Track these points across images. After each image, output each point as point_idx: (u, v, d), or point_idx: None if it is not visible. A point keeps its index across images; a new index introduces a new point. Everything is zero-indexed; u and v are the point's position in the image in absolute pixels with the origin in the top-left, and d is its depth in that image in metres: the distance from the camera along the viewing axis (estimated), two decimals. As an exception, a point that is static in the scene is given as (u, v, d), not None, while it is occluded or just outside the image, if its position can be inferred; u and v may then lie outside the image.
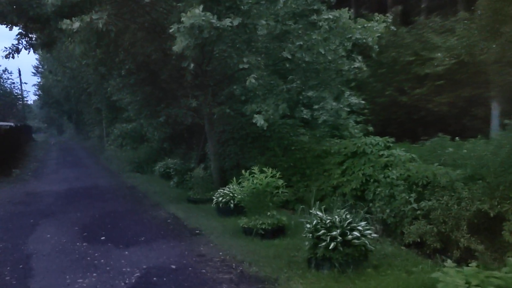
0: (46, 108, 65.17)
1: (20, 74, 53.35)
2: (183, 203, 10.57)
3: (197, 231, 7.84)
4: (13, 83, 56.94)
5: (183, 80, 12.33)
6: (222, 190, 9.16)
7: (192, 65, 8.57)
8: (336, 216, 5.71)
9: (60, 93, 38.41)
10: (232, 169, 12.89)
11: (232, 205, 8.73)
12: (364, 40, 9.31)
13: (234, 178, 8.71)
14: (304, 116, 12.84)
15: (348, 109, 13.17)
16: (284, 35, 9.89)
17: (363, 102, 12.03)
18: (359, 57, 11.51)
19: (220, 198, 8.92)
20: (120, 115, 25.15)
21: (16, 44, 10.89)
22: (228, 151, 13.22)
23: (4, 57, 10.80)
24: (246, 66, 8.76)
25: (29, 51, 10.89)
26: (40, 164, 21.92)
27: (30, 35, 10.89)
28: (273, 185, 7.11)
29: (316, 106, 13.27)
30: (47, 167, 20.70)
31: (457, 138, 9.63)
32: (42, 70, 53.27)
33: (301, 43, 9.34)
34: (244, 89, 13.14)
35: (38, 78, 55.47)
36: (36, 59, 61.65)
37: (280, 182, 7.19)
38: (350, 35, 9.00)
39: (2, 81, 53.75)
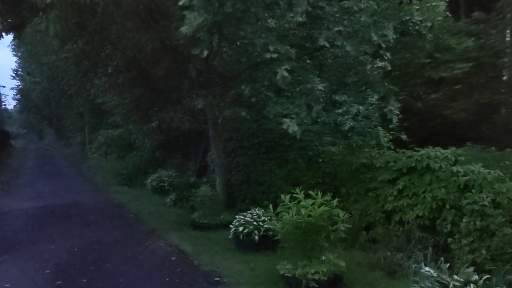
0: (25, 113, 62.29)
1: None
2: (187, 230, 8.42)
3: (216, 278, 5.71)
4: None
5: (184, 77, 10.22)
6: (242, 217, 7.05)
7: (205, 52, 6.49)
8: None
9: (39, 97, 35.83)
10: (240, 184, 10.81)
11: (257, 238, 6.64)
12: (420, 25, 7.35)
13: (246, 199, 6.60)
14: (326, 122, 10.89)
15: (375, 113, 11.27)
16: (315, 20, 7.91)
17: (399, 105, 10.09)
18: (388, 54, 9.61)
19: (241, 228, 6.80)
20: (105, 120, 22.83)
21: (-22, 29, 8.69)
22: (235, 162, 11.14)
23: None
24: (274, 55, 6.73)
25: (-5, 37, 8.67)
26: (13, 175, 19.45)
27: (-5, 18, 8.68)
28: (328, 216, 5.04)
29: (339, 110, 11.32)
30: (21, 178, 18.27)
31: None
32: (22, 73, 50.44)
33: (341, 28, 7.36)
34: (254, 90, 11.15)
35: (17, 82, 52.41)
36: (15, 61, 58.72)
37: (339, 212, 5.12)
38: (408, 17, 7.06)
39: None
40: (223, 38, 7.98)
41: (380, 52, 9.11)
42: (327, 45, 7.21)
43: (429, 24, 7.30)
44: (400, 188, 6.91)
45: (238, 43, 8.24)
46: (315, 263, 4.93)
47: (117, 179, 15.52)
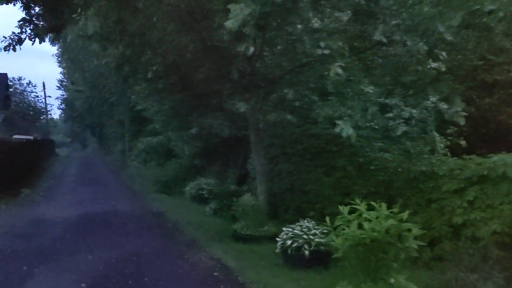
0: (69, 122, 64.23)
1: (44, 88, 52.07)
2: (229, 242, 7.89)
3: (265, 298, 5.13)
4: (37, 96, 55.53)
5: (226, 80, 9.77)
6: (290, 229, 6.43)
7: (251, 49, 5.96)
8: None
9: (83, 106, 36.66)
10: (283, 193, 10.20)
11: (307, 253, 6.00)
12: (488, 17, 6.55)
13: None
14: (376, 127, 10.13)
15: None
16: (368, 15, 7.25)
17: (460, 110, 9.20)
18: (444, 53, 8.78)
19: (289, 242, 6.19)
20: (144, 127, 22.89)
21: (18, 33, 8.56)
22: (277, 170, 10.55)
23: (3, 49, 8.46)
24: (326, 51, 6.12)
25: (33, 41, 8.51)
26: (56, 182, 19.66)
27: (35, 21, 8.53)
28: (396, 231, 4.34)
29: (390, 114, 10.54)
30: (63, 185, 18.39)
31: None
32: (66, 83, 52.05)
33: (399, 21, 6.67)
34: (298, 93, 10.55)
35: (62, 92, 54.11)
36: (60, 73, 60.79)
37: (411, 226, 4.40)
38: (477, 7, 6.28)
39: (25, 94, 52.83)
40: (269, 36, 7.43)
41: (435, 51, 8.37)
42: (384, 40, 6.52)
43: (500, 14, 6.48)
44: (471, 199, 6.09)
45: (284, 41, 7.66)
46: (382, 286, 4.24)
47: (156, 187, 15.27)
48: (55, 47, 32.99)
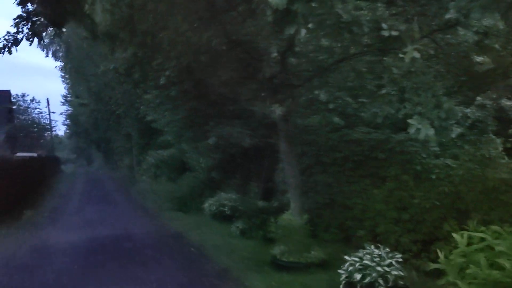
0: (74, 138, 63.31)
1: (48, 103, 51.28)
2: (269, 271, 6.57)
3: None
4: (41, 113, 54.74)
5: (252, 81, 8.55)
6: (357, 259, 5.12)
7: (302, 31, 4.71)
8: None
9: (87, 121, 35.58)
10: (320, 208, 8.90)
11: (383, 289, 4.68)
12: None
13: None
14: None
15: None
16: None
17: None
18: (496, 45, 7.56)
19: (358, 276, 4.86)
20: (154, 140, 21.69)
21: (14, 33, 7.39)
22: (311, 182, 9.27)
23: (-2, 52, 7.29)
24: (395, 33, 4.88)
25: (31, 41, 7.34)
26: (61, 201, 18.41)
27: (32, 19, 7.36)
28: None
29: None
30: (69, 204, 17.13)
31: None
32: (71, 98, 51.24)
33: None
34: (330, 94, 9.30)
35: (67, 108, 53.26)
36: (64, 87, 60.03)
37: None
38: None
39: (29, 111, 52.05)
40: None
41: (485, 42, 7.21)
42: (462, 18, 5.26)
43: None
44: None
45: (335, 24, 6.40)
46: None
47: (170, 204, 13.97)
48: (59, 62, 32.09)
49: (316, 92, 8.98)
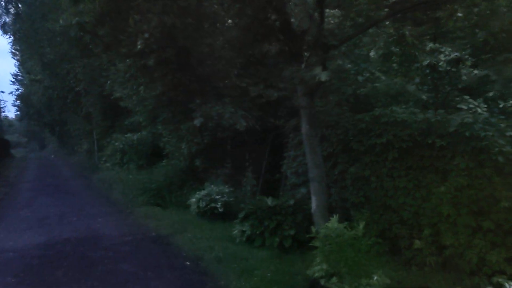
0: (26, 121, 58.72)
1: (-5, 82, 46.40)
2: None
3: None
4: (-13, 92, 49.89)
5: (274, 38, 6.46)
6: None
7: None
8: None
9: (40, 100, 32.03)
10: (348, 208, 7.02)
11: None
12: None
13: None
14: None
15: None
16: None
17: None
18: None
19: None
20: (120, 122, 19.10)
21: None
22: (336, 174, 7.36)
23: None
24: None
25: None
26: (9, 190, 15.63)
27: None
28: None
29: (491, 93, 7.59)
30: (19, 195, 14.43)
31: None
32: (21, 77, 46.94)
33: None
34: (356, 64, 7.41)
35: (18, 87, 48.75)
36: (15, 64, 55.20)
37: None
38: None
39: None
40: None
41: None
42: None
43: None
44: None
45: None
46: None
47: (144, 197, 11.68)
48: (7, 37, 28.21)
49: (341, 62, 7.06)
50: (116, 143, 16.99)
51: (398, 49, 7.08)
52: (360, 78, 7.42)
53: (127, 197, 12.39)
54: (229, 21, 7.90)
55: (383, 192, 6.58)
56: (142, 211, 10.63)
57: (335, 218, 5.11)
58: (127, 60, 10.33)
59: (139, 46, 8.99)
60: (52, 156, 42.60)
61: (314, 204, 6.95)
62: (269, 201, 7.60)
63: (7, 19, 23.02)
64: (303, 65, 6.11)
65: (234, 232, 7.47)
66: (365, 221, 5.34)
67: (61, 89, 20.20)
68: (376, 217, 6.54)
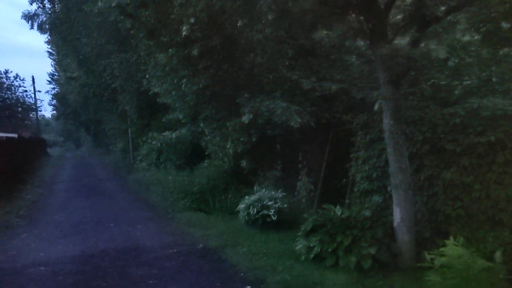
0: (62, 120, 59.50)
1: (33, 81, 46.94)
2: None
3: None
4: (26, 91, 50.53)
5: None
6: None
7: None
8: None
9: (76, 99, 31.91)
10: (438, 222, 5.75)
11: None
12: None
13: None
14: None
15: None
16: None
17: None
18: None
19: None
20: (156, 120, 18.26)
21: None
22: (420, 180, 6.09)
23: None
24: None
25: None
26: (44, 191, 15.01)
27: None
28: None
29: None
30: (53, 197, 13.77)
31: None
32: (57, 77, 47.26)
33: None
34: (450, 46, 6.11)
35: (54, 86, 49.18)
36: (51, 64, 55.85)
37: None
38: None
39: (13, 88, 47.89)
40: None
41: None
42: None
43: None
44: None
45: None
46: None
47: (186, 201, 10.68)
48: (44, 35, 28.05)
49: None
50: (154, 142, 16.14)
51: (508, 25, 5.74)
52: (450, 63, 6.11)
53: (166, 200, 11.46)
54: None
55: (491, 203, 5.28)
56: (184, 217, 9.63)
57: (451, 241, 3.85)
58: (169, 50, 9.35)
59: (183, 33, 8.01)
60: (87, 155, 42.67)
61: (397, 216, 5.73)
62: (339, 211, 6.40)
63: (44, 18, 22.67)
64: (386, 47, 4.86)
65: (297, 248, 6.31)
66: (502, 247, 4.04)
67: (97, 87, 19.59)
68: (481, 234, 5.24)
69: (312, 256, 5.97)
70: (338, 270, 5.55)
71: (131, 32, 8.61)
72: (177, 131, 15.21)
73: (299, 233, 6.53)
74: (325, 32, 10.16)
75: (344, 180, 7.59)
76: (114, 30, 14.07)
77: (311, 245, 6.03)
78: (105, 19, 13.18)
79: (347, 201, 7.44)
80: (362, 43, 9.34)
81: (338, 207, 6.60)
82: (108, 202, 12.41)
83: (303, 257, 6.08)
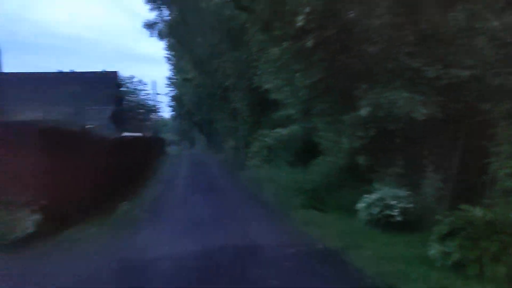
0: (178, 120, 63.72)
1: (153, 86, 51.14)
2: None
3: None
4: (147, 94, 55.21)
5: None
6: None
7: None
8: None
9: (191, 99, 33.76)
10: None
11: None
12: None
13: None
14: None
15: None
16: None
17: None
18: None
19: None
20: (267, 116, 18.35)
21: None
22: None
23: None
24: None
25: None
26: (164, 187, 15.94)
27: None
28: None
29: None
30: (173, 193, 14.54)
31: None
32: (176, 79, 50.57)
33: None
34: None
35: (171, 89, 52.91)
36: (169, 69, 59.97)
37: None
38: None
39: (136, 92, 52.55)
40: None
41: None
42: None
43: None
44: None
45: None
46: None
47: (300, 198, 10.42)
48: (162, 42, 30.21)
49: None
50: (266, 139, 16.20)
51: None
52: None
53: (279, 198, 11.32)
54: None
55: None
56: (299, 215, 9.38)
57: None
58: (283, 44, 9.15)
59: (298, 24, 7.73)
60: (201, 153, 45.03)
61: None
62: (480, 212, 5.56)
63: (161, 26, 24.32)
64: None
65: (431, 253, 5.62)
66: None
67: (210, 87, 20.38)
68: None
69: (449, 263, 5.25)
70: (484, 281, 4.78)
71: (246, 26, 8.60)
72: (288, 127, 15.05)
73: (432, 236, 5.81)
74: (452, 13, 9.13)
75: (482, 177, 6.63)
76: (226, 30, 14.41)
77: (448, 250, 5.31)
78: (219, 17, 13.54)
79: (487, 201, 6.48)
80: (496, 23, 8.20)
81: (477, 208, 5.75)
82: (223, 199, 12.69)
83: (438, 263, 5.38)
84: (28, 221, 7.22)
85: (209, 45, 16.65)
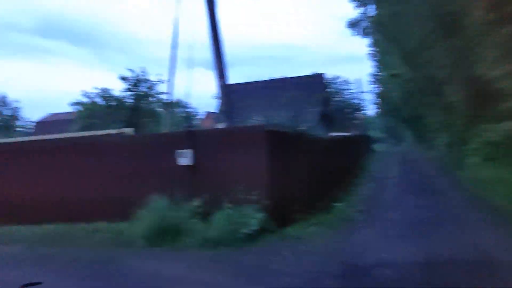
0: (383, 117, 62.10)
1: (359, 84, 51.15)
2: None
3: None
4: (352, 93, 55.58)
5: None
6: None
7: None
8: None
9: (398, 96, 32.33)
10: None
11: None
12: None
13: None
14: None
15: None
16: None
17: None
18: None
19: None
20: (488, 110, 16.10)
21: None
22: None
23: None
24: None
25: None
26: (374, 187, 15.62)
27: None
28: None
29: None
30: (384, 193, 14.11)
31: None
32: (380, 76, 49.39)
33: None
34: None
35: (375, 86, 51.94)
36: (373, 66, 58.93)
37: None
38: None
39: (341, 92, 53.35)
40: None
41: None
42: None
43: None
44: None
45: None
46: None
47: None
48: (366, 39, 29.85)
49: None
50: (489, 134, 14.27)
51: None
52: None
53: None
54: None
55: None
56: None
57: None
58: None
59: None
60: (408, 151, 42.79)
61: None
62: None
63: (366, 23, 23.99)
64: None
65: None
66: None
67: (421, 81, 19.09)
68: None
69: None
70: None
71: (463, 8, 7.65)
72: (518, 121, 12.89)
73: None
74: None
75: None
76: (439, 16, 13.22)
77: None
78: (431, 4, 12.54)
79: None
80: None
81: None
82: (440, 201, 11.68)
83: None
84: (253, 219, 7.92)
85: (420, 36, 15.53)
